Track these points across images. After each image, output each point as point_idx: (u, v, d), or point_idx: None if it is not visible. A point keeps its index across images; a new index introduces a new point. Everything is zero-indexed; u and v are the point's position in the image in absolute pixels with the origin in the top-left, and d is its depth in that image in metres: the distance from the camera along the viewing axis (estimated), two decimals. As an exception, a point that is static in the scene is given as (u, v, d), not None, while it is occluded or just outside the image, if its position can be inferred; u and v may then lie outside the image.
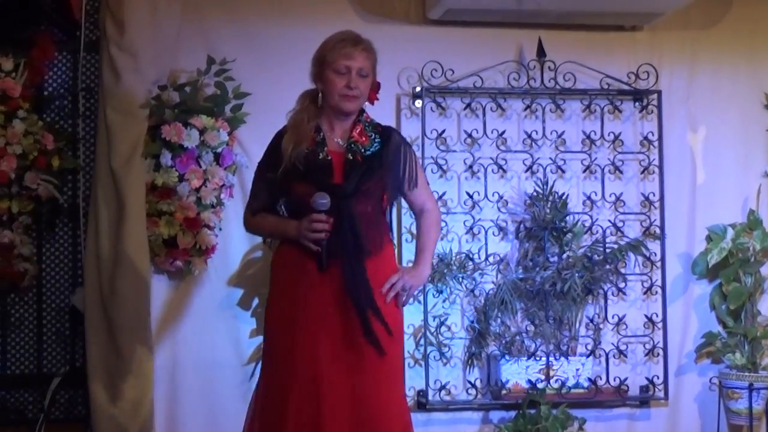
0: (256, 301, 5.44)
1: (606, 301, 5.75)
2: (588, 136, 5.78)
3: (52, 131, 5.40)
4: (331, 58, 4.11)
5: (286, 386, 4.03)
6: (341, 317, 4.03)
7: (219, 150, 5.31)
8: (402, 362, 4.42)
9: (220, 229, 5.37)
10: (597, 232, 5.74)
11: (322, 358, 4.01)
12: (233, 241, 5.45)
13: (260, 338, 5.37)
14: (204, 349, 5.39)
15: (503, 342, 5.60)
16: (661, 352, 5.79)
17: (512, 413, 5.55)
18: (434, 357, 5.55)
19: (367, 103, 4.29)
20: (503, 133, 5.71)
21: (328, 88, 4.13)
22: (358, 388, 4.02)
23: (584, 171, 5.79)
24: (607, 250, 5.71)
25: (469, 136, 5.67)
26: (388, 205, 4.31)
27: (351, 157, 4.12)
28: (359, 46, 4.12)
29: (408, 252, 5.52)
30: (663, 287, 5.80)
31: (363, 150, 4.15)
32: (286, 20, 5.55)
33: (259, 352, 5.41)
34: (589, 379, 5.64)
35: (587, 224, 5.74)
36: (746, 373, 5.63)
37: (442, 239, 5.57)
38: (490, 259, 5.64)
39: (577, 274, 5.58)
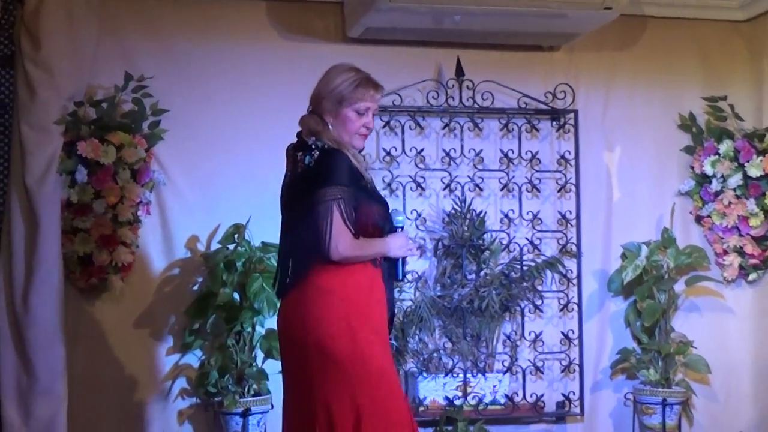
0: (173, 319, 5.49)
1: (523, 318, 5.90)
2: (506, 155, 5.92)
3: (-35, 147, 5.39)
4: (352, 98, 4.10)
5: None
6: None
7: (136, 167, 5.36)
8: None
9: (137, 247, 5.41)
10: (514, 249, 5.88)
11: None
12: (150, 259, 5.49)
13: (177, 356, 5.42)
14: (120, 366, 5.43)
15: (421, 359, 5.71)
16: (577, 368, 5.95)
17: (429, 430, 5.64)
18: (352, 374, 5.60)
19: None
20: (422, 151, 5.83)
21: (346, 125, 4.11)
22: None
23: (502, 189, 5.95)
24: (524, 268, 5.85)
25: (388, 153, 5.77)
26: None
27: None
28: (380, 89, 4.20)
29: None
30: (579, 304, 5.97)
31: None
32: (205, 37, 5.63)
33: (176, 370, 5.43)
34: (506, 396, 5.77)
35: (505, 242, 5.89)
36: (660, 389, 5.82)
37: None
38: (409, 276, 5.73)
39: (494, 292, 5.71)
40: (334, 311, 3.97)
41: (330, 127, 4.11)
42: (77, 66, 5.31)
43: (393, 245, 4.11)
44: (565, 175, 5.99)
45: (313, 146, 4.07)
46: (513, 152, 5.94)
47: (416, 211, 5.79)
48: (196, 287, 5.51)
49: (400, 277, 4.22)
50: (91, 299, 5.41)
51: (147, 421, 5.42)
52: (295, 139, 4.19)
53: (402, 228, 4.15)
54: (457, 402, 5.68)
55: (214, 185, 5.58)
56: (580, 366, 5.93)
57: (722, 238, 6.06)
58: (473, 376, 5.74)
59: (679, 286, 6.03)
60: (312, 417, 3.96)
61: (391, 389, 4.03)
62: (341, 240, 3.95)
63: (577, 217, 5.98)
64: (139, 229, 5.42)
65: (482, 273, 5.77)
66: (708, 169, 6.03)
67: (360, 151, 4.20)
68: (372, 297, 4.08)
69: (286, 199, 4.16)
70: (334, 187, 3.97)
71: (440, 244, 5.78)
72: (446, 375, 5.71)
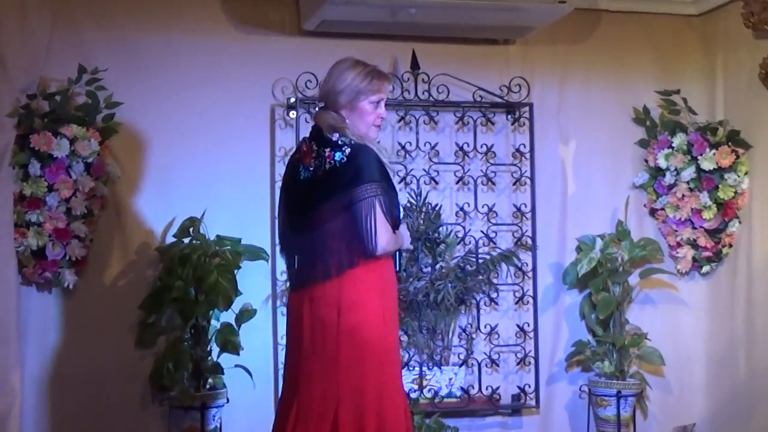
0: (127, 313, 5.50)
1: (478, 311, 5.97)
2: (461, 148, 6.00)
3: None
4: (368, 90, 4.25)
5: None
6: None
7: (90, 160, 5.36)
8: None
9: (91, 240, 5.41)
10: (470, 242, 5.95)
11: None
12: (105, 253, 5.52)
13: (132, 350, 5.44)
14: (74, 361, 5.44)
15: (377, 352, 5.71)
16: (532, 360, 6.04)
17: (386, 423, 5.66)
18: (308, 368, 5.65)
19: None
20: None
21: (363, 117, 4.25)
22: None
23: (457, 182, 6.01)
24: (480, 261, 5.93)
25: (344, 147, 5.79)
26: None
27: None
28: (390, 79, 4.47)
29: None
30: (534, 297, 6.05)
31: None
32: (160, 29, 5.66)
33: (131, 364, 5.46)
34: (462, 389, 5.85)
35: (460, 235, 5.97)
36: (614, 381, 5.91)
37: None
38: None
39: (450, 285, 5.77)
40: (370, 300, 4.16)
41: (347, 121, 4.23)
42: (30, 58, 5.32)
43: (405, 237, 4.33)
44: (520, 168, 6.07)
45: (340, 142, 4.19)
46: (468, 145, 6.01)
47: (372, 204, 5.84)
48: (151, 281, 5.53)
49: (399, 269, 4.39)
50: (44, 293, 5.41)
51: (102, 415, 5.44)
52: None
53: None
54: (414, 395, 5.73)
55: (168, 178, 5.61)
56: (536, 359, 6.02)
57: (676, 230, 6.15)
58: (429, 369, 5.80)
59: (634, 279, 6.13)
60: (336, 401, 4.10)
61: (401, 381, 4.30)
62: (384, 235, 4.12)
63: (533, 210, 6.06)
64: (94, 223, 5.43)
65: (438, 266, 5.83)
66: (662, 162, 6.12)
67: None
68: (395, 289, 4.31)
69: (305, 193, 4.23)
70: (373, 183, 4.13)
71: (396, 237, 5.83)
72: (402, 368, 5.75)
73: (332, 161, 4.17)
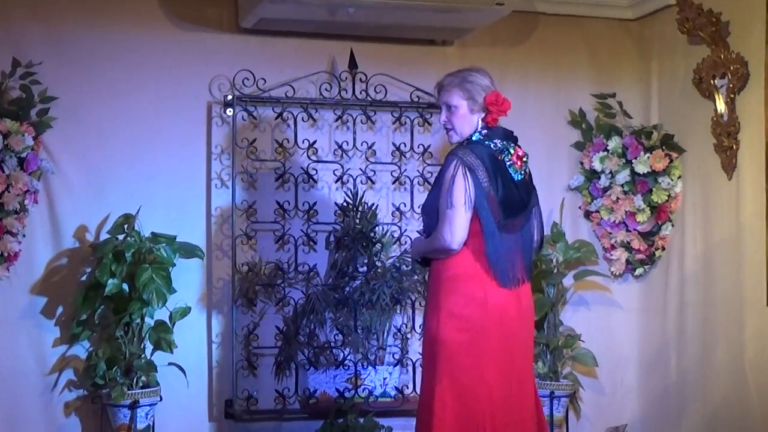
0: (60, 309, 5.58)
1: (414, 311, 6.10)
2: (398, 148, 6.14)
3: None
4: None
5: None
6: None
7: (23, 155, 5.42)
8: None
9: (24, 236, 5.47)
10: (406, 242, 6.09)
11: None
12: (37, 248, 5.58)
13: (64, 347, 5.52)
14: (5, 358, 5.50)
15: (312, 351, 5.84)
16: (466, 361, 6.11)
17: (320, 423, 5.79)
18: (242, 367, 5.77)
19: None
20: (314, 143, 6.01)
21: None
22: None
23: (394, 182, 6.15)
24: (416, 261, 6.01)
25: (281, 145, 5.93)
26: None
27: None
28: (440, 89, 4.80)
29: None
30: (469, 297, 6.13)
31: None
32: (96, 24, 5.72)
33: (63, 361, 5.54)
34: (396, 388, 5.95)
35: (396, 235, 6.10)
36: (548, 382, 6.06)
37: (251, 248, 5.83)
38: (300, 268, 5.90)
39: (385, 285, 5.85)
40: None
41: None
42: (-38, 52, 5.37)
43: None
44: (456, 169, 6.18)
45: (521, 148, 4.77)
46: (405, 145, 6.14)
47: (308, 203, 5.96)
48: (84, 278, 5.61)
49: None
50: (-26, 289, 5.48)
51: (33, 413, 5.52)
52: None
53: None
54: (348, 394, 5.82)
55: (103, 174, 5.68)
56: (470, 359, 6.14)
57: (610, 233, 6.32)
58: (364, 368, 5.89)
59: (568, 280, 6.27)
60: (531, 383, 4.70)
61: None
62: None
63: (469, 211, 6.18)
64: (26, 218, 5.48)
65: (373, 266, 5.91)
66: (597, 165, 6.29)
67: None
68: None
69: (522, 195, 4.66)
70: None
71: (332, 236, 5.91)
72: (337, 367, 5.86)
73: (527, 169, 4.76)
